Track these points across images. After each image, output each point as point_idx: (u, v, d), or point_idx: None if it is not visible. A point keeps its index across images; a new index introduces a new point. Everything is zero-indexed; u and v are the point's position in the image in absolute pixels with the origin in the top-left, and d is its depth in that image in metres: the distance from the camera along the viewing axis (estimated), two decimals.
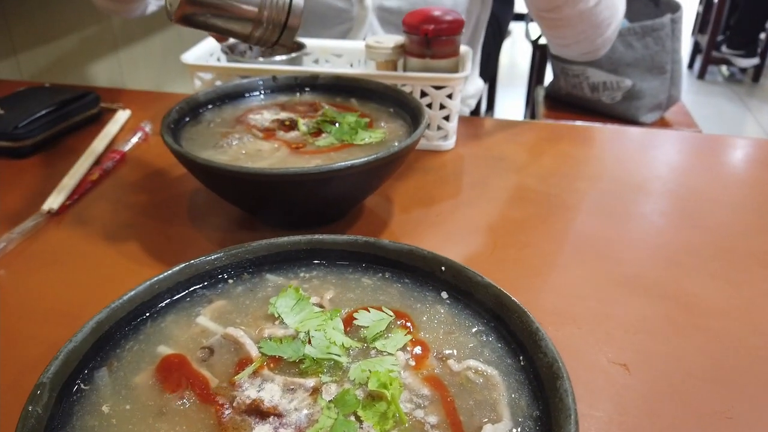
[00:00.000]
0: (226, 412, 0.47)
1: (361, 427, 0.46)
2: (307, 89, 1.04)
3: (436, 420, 0.46)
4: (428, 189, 1.03)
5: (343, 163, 0.74)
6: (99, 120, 1.26)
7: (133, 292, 0.54)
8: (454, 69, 1.13)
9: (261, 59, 1.22)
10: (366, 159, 0.76)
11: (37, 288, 0.80)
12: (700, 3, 5.49)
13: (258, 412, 0.46)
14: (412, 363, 0.51)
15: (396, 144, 0.86)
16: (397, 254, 0.61)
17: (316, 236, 0.62)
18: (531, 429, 0.46)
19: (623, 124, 2.58)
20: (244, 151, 0.86)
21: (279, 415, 0.46)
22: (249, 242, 0.61)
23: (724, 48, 5.09)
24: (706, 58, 5.17)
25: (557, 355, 0.48)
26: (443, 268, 0.58)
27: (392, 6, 1.47)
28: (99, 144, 1.12)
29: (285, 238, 0.62)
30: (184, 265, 0.58)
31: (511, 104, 4.39)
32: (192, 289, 0.59)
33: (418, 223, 0.94)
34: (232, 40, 1.23)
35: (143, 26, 2.22)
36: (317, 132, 0.91)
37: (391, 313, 0.56)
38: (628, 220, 0.96)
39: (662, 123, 2.63)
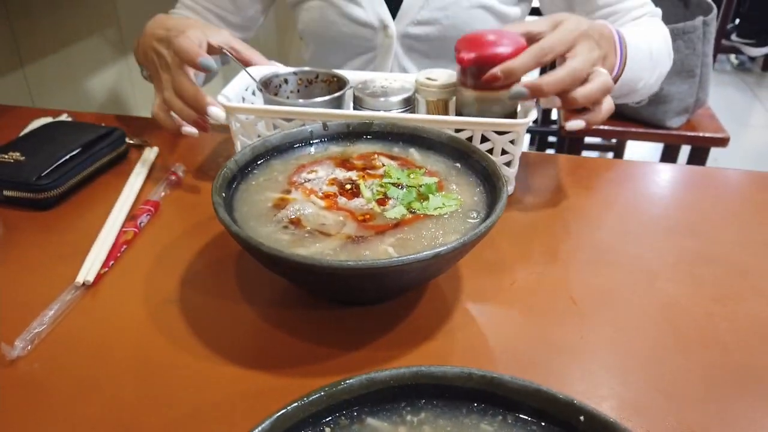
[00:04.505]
0: None
1: None
2: (364, 137, 0.95)
3: None
4: (495, 248, 0.94)
5: (428, 252, 0.66)
6: (125, 158, 1.16)
7: None
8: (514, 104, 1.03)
9: (300, 101, 1.11)
10: (452, 246, 0.67)
11: (78, 380, 0.70)
12: None
13: None
14: None
15: (476, 217, 0.78)
16: (519, 394, 0.52)
17: (422, 368, 0.53)
18: None
19: (648, 128, 2.50)
20: (308, 227, 0.77)
21: None
22: (345, 378, 0.53)
23: (734, 36, 4.99)
24: (715, 46, 5.06)
25: None
26: (582, 417, 0.50)
27: (419, 33, 1.36)
28: (130, 193, 1.03)
29: (386, 372, 0.53)
30: (275, 417, 0.49)
31: None
32: None
33: (492, 294, 0.85)
34: (265, 72, 1.13)
35: None
36: (383, 199, 0.82)
37: None
38: (736, 292, 0.85)
39: (688, 126, 2.56)
